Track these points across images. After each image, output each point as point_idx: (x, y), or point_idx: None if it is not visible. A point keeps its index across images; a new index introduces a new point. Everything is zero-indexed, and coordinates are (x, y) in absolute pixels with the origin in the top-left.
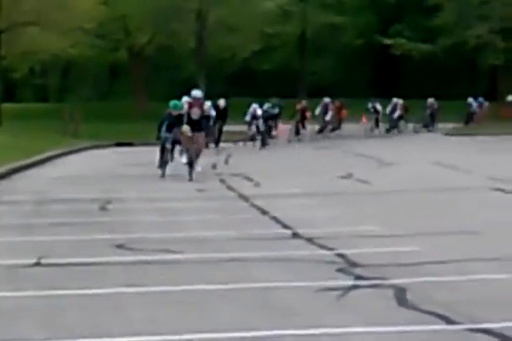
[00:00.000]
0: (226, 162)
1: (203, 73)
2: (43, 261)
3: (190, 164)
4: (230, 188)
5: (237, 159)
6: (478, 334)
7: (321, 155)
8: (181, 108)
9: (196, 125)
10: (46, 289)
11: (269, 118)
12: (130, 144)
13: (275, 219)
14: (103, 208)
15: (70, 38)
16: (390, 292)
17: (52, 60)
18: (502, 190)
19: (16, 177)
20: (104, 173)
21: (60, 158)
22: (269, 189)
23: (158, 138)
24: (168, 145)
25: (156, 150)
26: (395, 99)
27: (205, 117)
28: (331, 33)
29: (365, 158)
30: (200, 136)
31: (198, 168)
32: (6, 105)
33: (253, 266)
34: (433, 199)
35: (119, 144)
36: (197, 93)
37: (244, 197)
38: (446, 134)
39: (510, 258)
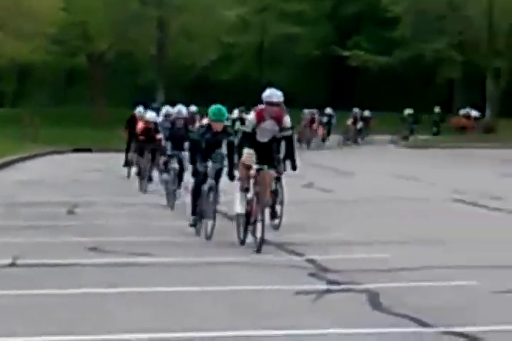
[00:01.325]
0: None
1: (162, 80)
2: (19, 261)
3: (254, 222)
4: None
5: None
6: (451, 337)
7: None
8: (227, 117)
9: (265, 153)
10: (24, 288)
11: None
12: (88, 150)
13: None
14: (71, 212)
15: (30, 44)
16: (364, 296)
17: (8, 65)
18: (463, 201)
19: None
20: (66, 178)
21: (21, 163)
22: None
23: (196, 173)
24: (211, 183)
25: (113, 156)
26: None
27: (282, 139)
28: (288, 43)
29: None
30: (268, 174)
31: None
32: None
33: (226, 269)
34: (396, 208)
35: (77, 150)
36: (274, 93)
37: None
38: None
39: (476, 265)
